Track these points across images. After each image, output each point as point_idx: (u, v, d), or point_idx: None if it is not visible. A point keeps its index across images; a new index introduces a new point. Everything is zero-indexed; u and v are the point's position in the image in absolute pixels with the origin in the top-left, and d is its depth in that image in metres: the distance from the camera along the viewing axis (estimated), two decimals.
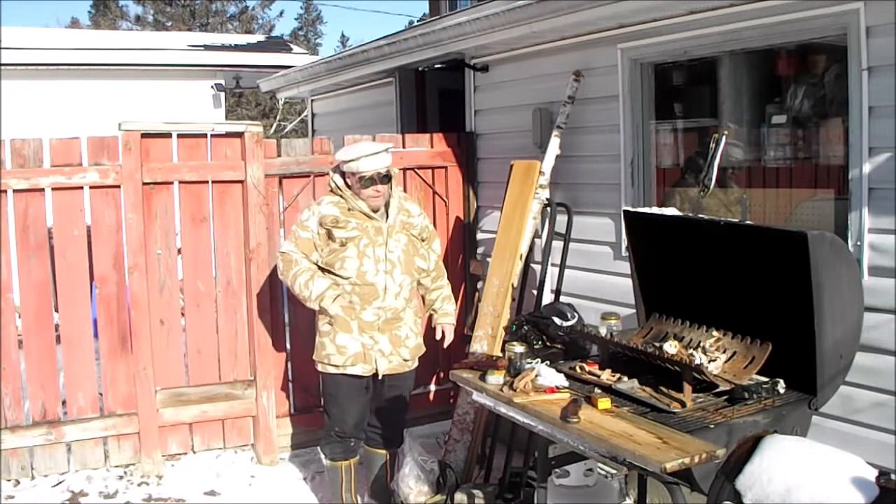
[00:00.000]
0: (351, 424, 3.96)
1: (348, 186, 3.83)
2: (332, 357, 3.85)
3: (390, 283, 3.82)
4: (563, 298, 4.38)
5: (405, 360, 3.94)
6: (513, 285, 4.38)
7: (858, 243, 3.08)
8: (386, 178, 3.78)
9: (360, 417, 4.00)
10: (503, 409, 2.95)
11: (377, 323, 3.83)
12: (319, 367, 3.94)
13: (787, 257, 2.71)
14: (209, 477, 4.65)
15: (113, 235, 4.63)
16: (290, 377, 5.05)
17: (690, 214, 3.55)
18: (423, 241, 4.01)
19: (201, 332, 4.87)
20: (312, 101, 8.47)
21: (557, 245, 4.49)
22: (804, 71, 3.70)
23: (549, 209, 4.46)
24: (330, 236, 3.81)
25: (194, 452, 4.89)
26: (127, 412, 4.68)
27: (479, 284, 4.82)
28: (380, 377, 3.90)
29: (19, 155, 4.40)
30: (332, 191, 3.89)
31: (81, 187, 4.53)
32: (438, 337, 4.10)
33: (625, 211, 3.62)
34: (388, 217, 3.86)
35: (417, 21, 20.06)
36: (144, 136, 4.58)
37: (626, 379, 2.97)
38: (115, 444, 4.69)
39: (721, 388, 2.76)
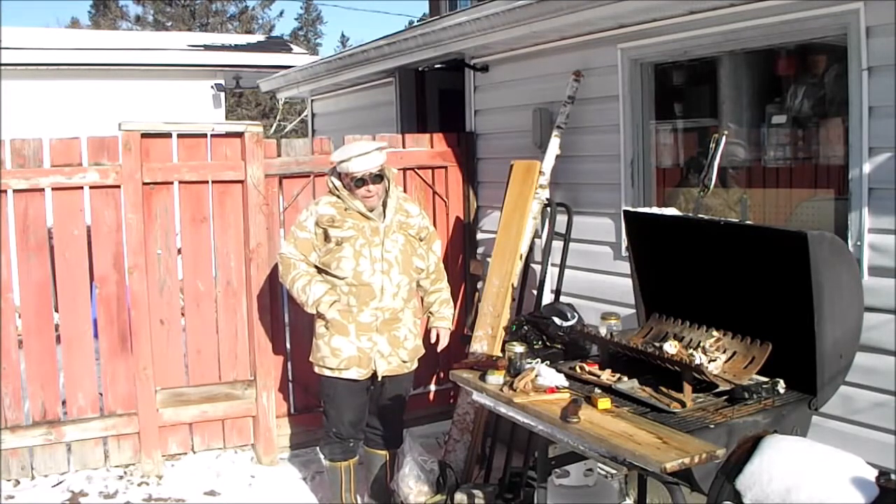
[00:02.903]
0: (349, 426, 3.96)
1: (345, 186, 3.83)
2: (326, 359, 3.86)
3: (387, 284, 3.82)
4: (563, 298, 4.38)
5: (404, 362, 3.94)
6: (513, 285, 4.38)
7: (858, 243, 3.08)
8: (378, 178, 3.77)
9: (358, 418, 4.00)
10: (503, 409, 2.95)
11: (375, 324, 3.83)
12: (316, 370, 3.94)
13: (786, 257, 2.71)
14: (209, 477, 4.65)
15: (113, 235, 4.63)
16: (290, 377, 5.05)
17: (690, 214, 3.55)
18: (420, 241, 4.00)
19: (201, 332, 4.86)
20: (312, 101, 8.47)
21: (557, 245, 4.49)
22: (804, 71, 3.70)
23: (549, 209, 4.46)
24: (326, 236, 3.81)
25: (194, 452, 4.89)
26: (127, 412, 4.68)
27: (479, 284, 4.81)
28: (379, 379, 3.90)
29: (19, 155, 4.40)
30: (330, 191, 3.90)
31: (81, 187, 4.53)
32: (433, 340, 4.09)
33: (625, 211, 3.62)
34: (385, 217, 3.86)
35: (417, 21, 20.08)
36: (144, 136, 4.58)
37: (626, 379, 2.97)
38: (115, 444, 4.69)
39: (721, 388, 2.76)
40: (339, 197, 3.84)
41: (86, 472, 4.62)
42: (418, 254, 3.97)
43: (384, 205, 3.87)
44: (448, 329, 4.12)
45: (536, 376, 2.92)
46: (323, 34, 48.47)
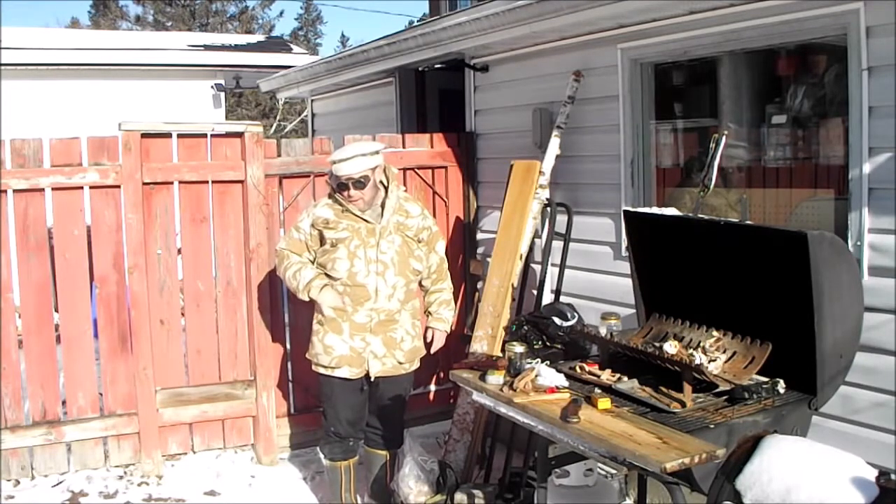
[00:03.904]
0: (347, 425, 3.96)
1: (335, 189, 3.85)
2: (319, 357, 3.87)
3: (382, 285, 3.81)
4: (563, 298, 4.38)
5: (400, 363, 3.92)
6: (513, 285, 4.38)
7: (858, 243, 3.08)
8: (359, 184, 3.72)
9: (356, 418, 4.00)
10: (503, 409, 2.95)
11: (369, 324, 3.83)
12: (313, 367, 3.96)
13: (786, 257, 2.71)
14: (209, 477, 4.65)
15: (113, 235, 4.63)
16: (290, 377, 5.05)
17: (690, 214, 3.55)
18: (419, 242, 3.96)
19: (201, 332, 4.87)
20: (312, 101, 8.47)
21: (557, 245, 4.49)
22: (804, 71, 3.70)
23: (549, 209, 4.46)
24: (322, 238, 3.82)
25: (194, 452, 4.89)
26: (127, 412, 4.68)
27: (479, 284, 4.82)
28: (372, 379, 3.90)
29: (19, 155, 4.40)
30: (329, 193, 3.91)
31: (81, 187, 4.53)
32: (428, 340, 4.07)
33: (625, 211, 3.62)
34: (382, 218, 3.85)
35: (417, 21, 20.07)
36: (144, 136, 4.58)
37: (626, 379, 2.96)
38: (115, 444, 4.69)
39: (721, 388, 2.76)
40: (335, 199, 3.84)
41: (86, 472, 4.62)
42: (415, 255, 3.95)
43: (382, 205, 3.86)
44: (444, 331, 4.09)
45: (536, 376, 2.92)
46: (323, 34, 48.48)
